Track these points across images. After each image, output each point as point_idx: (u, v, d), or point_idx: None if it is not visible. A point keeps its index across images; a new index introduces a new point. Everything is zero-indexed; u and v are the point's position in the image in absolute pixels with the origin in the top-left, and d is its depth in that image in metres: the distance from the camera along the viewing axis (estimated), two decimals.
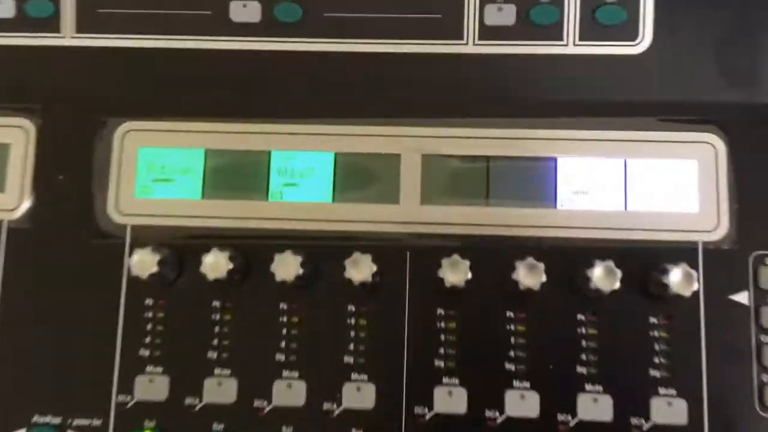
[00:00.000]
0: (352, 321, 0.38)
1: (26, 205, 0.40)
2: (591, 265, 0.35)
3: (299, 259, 0.36)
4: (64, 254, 0.39)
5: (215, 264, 0.36)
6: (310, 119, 0.40)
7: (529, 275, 0.35)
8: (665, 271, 0.35)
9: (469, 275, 0.35)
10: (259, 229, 0.39)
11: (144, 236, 0.39)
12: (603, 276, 0.34)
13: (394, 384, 0.37)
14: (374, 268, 0.36)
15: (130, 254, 0.38)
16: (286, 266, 0.36)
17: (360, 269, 0.35)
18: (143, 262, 0.36)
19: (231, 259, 0.36)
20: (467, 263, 0.36)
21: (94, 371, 0.38)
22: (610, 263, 0.35)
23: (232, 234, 0.39)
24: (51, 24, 0.41)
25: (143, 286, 0.38)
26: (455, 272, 0.35)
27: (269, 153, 0.40)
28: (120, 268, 0.39)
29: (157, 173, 0.40)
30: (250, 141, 0.40)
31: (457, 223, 0.38)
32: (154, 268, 0.36)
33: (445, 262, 0.35)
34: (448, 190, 0.39)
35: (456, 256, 0.36)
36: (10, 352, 0.39)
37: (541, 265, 0.35)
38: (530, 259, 0.35)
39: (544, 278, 0.35)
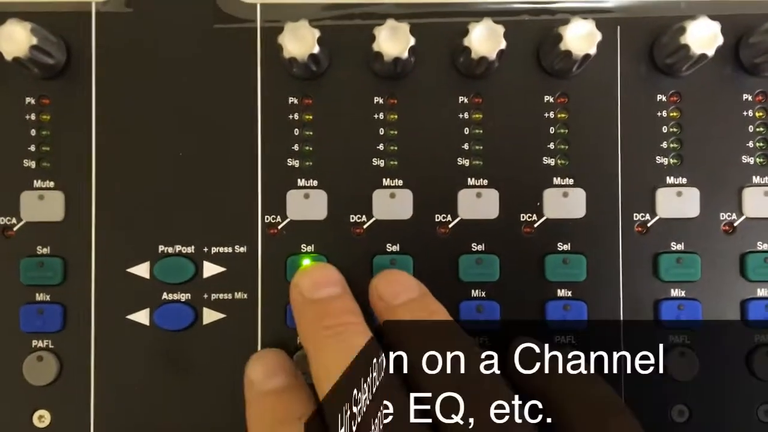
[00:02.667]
0: (551, 114, 0.31)
1: None
2: None
3: (500, 28, 0.28)
4: (175, 45, 0.31)
5: (397, 38, 0.28)
6: None
7: None
8: None
9: (720, 40, 0.28)
10: (430, 3, 0.31)
11: (279, 18, 0.30)
12: None
13: (607, 188, 0.31)
14: (599, 36, 0.28)
15: (262, 41, 0.30)
16: (488, 41, 0.28)
17: (587, 40, 0.28)
18: (304, 39, 0.27)
19: (412, 32, 0.28)
20: (716, 26, 0.28)
21: (231, 188, 0.31)
22: None
23: (390, 12, 0.30)
24: None
25: (282, 82, 0.30)
26: (709, 41, 0.28)
27: None
28: (252, 59, 0.31)
29: None
30: None
31: None
32: (315, 48, 0.28)
33: (692, 23, 0.28)
34: None
35: (706, 19, 0.28)
36: (115, 172, 0.31)
37: None
38: None
39: None
